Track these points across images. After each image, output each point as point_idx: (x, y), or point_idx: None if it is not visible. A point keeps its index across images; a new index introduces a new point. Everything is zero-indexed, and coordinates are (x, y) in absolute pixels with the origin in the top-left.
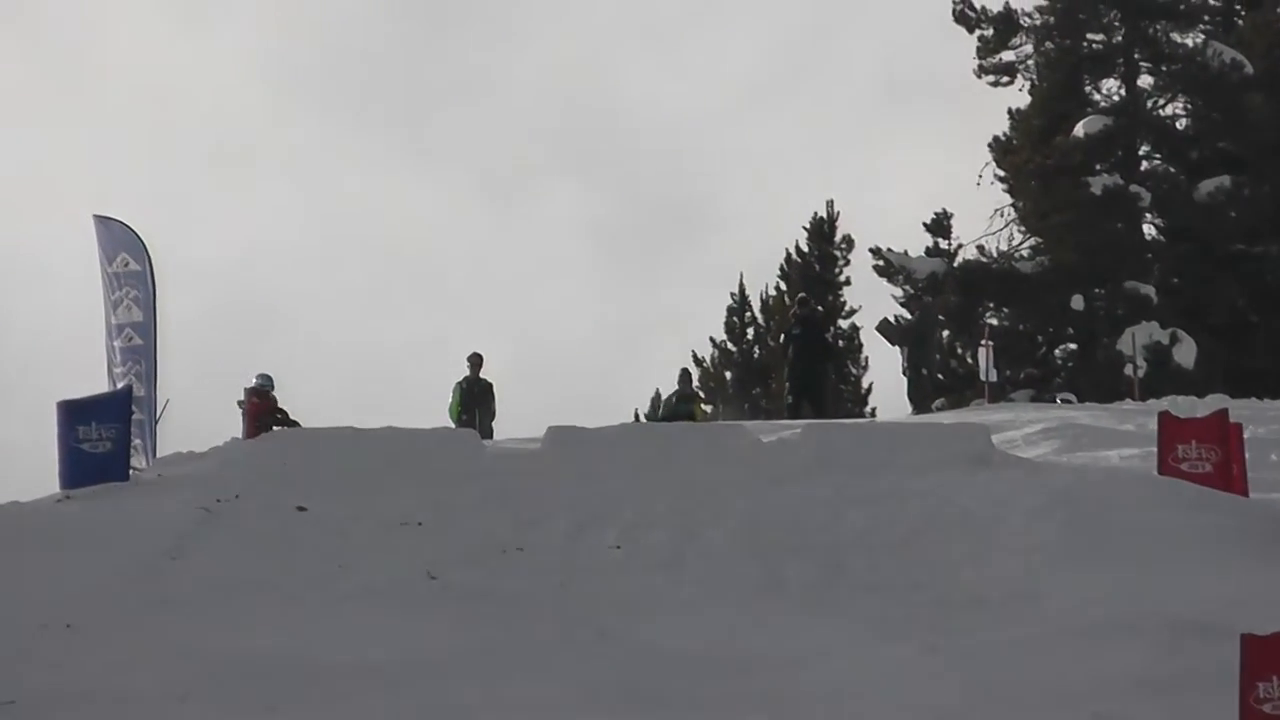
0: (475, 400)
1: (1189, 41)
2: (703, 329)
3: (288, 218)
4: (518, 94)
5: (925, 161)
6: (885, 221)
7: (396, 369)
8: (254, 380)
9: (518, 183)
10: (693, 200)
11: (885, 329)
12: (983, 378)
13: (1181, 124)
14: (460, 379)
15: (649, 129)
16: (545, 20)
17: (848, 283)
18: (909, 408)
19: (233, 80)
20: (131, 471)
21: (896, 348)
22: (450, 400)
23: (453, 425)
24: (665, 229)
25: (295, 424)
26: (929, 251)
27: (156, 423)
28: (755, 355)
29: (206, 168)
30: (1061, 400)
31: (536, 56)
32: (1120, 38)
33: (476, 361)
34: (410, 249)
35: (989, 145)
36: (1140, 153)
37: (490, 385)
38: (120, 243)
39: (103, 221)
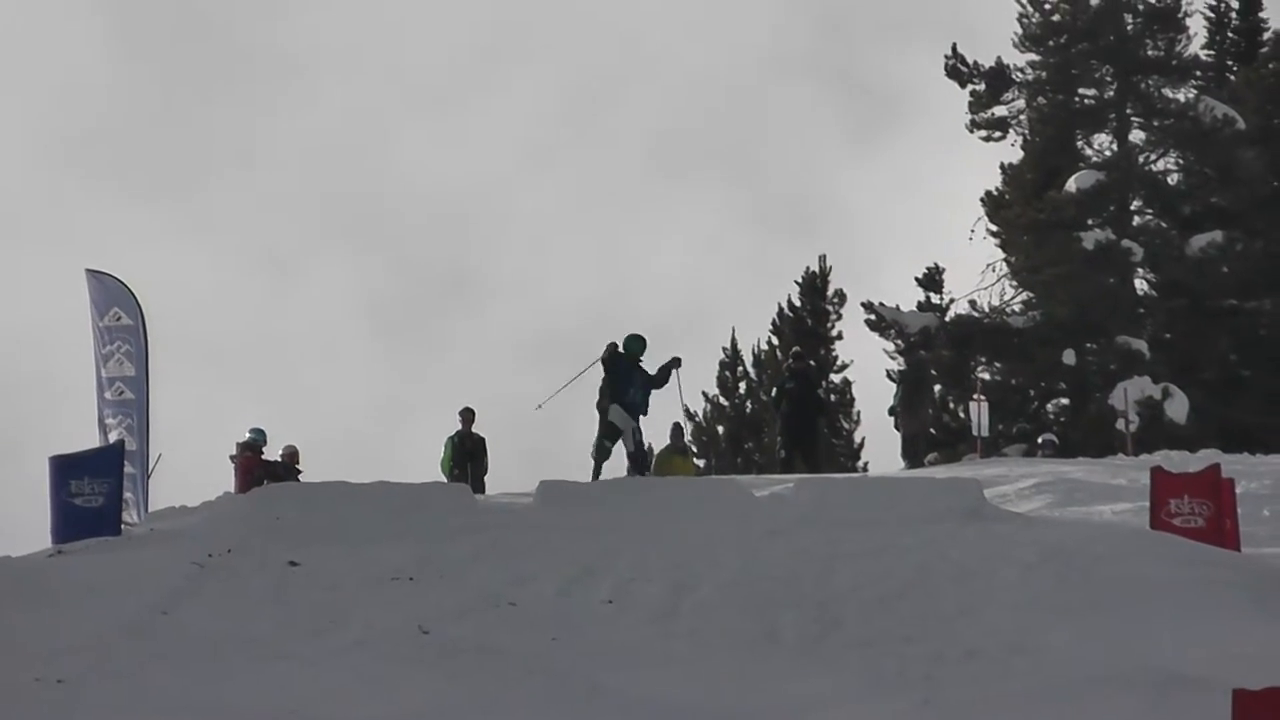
0: (467, 455)
1: (1181, 96)
2: (481, 397)
3: (54, 292)
4: (290, 165)
5: (699, 227)
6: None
7: (170, 445)
8: (247, 435)
9: (292, 255)
10: (468, 269)
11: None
12: (975, 432)
13: (1173, 179)
14: (452, 434)
15: (423, 198)
16: (319, 90)
17: (839, 337)
18: (902, 462)
19: None
20: (123, 526)
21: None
22: (442, 455)
23: (445, 480)
24: (440, 298)
25: (295, 478)
26: (921, 306)
27: (148, 477)
28: (747, 409)
29: None
30: (1043, 439)
31: (308, 126)
32: (1112, 93)
33: (468, 416)
34: (183, 322)
35: (981, 200)
36: (1132, 207)
37: (483, 440)
38: (112, 296)
39: (95, 275)
